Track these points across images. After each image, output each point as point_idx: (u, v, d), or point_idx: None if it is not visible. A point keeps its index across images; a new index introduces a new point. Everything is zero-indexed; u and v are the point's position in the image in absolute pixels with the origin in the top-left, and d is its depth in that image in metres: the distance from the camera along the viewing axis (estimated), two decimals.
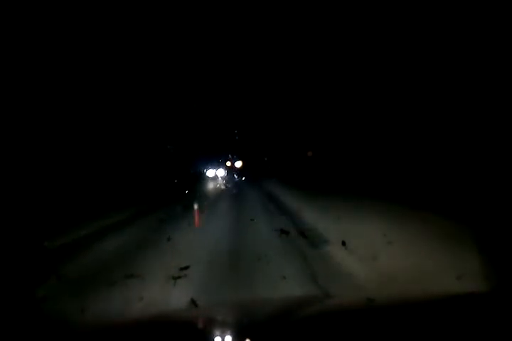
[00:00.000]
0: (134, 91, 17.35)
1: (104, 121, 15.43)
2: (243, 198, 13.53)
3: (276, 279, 4.01)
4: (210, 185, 22.35)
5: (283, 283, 3.90)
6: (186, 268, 4.49)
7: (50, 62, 11.81)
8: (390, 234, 5.14)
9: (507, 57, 6.25)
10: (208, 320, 1.77)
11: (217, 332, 1.52)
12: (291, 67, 17.18)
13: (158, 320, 1.71)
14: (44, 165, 10.96)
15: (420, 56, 8.66)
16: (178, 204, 11.39)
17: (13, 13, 10.01)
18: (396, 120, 10.12)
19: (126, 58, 16.00)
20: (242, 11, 16.22)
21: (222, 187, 21.12)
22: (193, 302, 3.28)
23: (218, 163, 30.29)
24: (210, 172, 28.36)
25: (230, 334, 1.45)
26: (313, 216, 7.66)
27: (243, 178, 25.49)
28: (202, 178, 26.69)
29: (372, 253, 4.51)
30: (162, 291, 3.91)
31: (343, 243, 5.14)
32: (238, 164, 32.18)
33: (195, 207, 10.17)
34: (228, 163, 32.19)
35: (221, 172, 28.42)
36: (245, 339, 1.35)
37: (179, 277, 4.23)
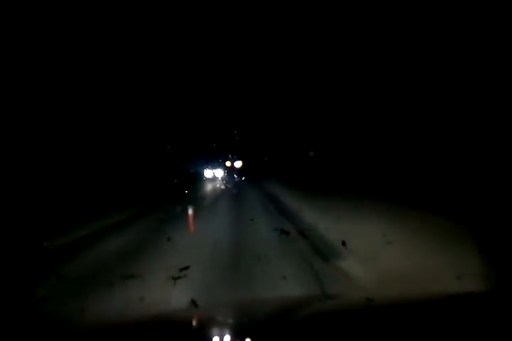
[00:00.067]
0: (133, 91, 17.35)
1: (104, 121, 15.43)
2: (243, 198, 13.53)
3: (276, 279, 4.01)
4: (210, 185, 22.34)
5: (283, 283, 3.90)
6: (186, 268, 4.49)
7: (49, 62, 11.81)
8: (390, 234, 5.14)
9: (507, 57, 6.25)
10: (207, 320, 1.77)
11: (217, 332, 1.52)
12: (291, 66, 17.19)
13: (158, 320, 1.71)
14: (44, 165, 10.95)
15: (420, 56, 8.66)
16: (178, 204, 11.39)
17: (13, 13, 10.01)
18: (396, 120, 10.12)
19: (126, 58, 16.01)
20: (242, 11, 16.22)
21: (222, 187, 21.13)
22: (193, 303, 3.27)
23: (218, 163, 30.24)
24: (209, 173, 28.32)
25: (230, 334, 1.45)
26: (313, 216, 7.66)
27: (243, 178, 25.49)
28: (202, 178, 26.68)
29: (372, 253, 4.51)
30: (162, 291, 3.91)
31: (343, 243, 5.14)
32: (238, 164, 32.14)
33: (190, 211, 8.95)
34: (228, 163, 32.14)
35: (221, 173, 28.39)
36: (245, 339, 1.35)
37: (179, 277, 4.23)
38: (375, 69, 10.90)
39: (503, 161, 5.77)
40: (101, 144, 15.18)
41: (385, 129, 10.88)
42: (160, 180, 17.99)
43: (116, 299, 3.71)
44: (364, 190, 9.64)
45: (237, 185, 20.72)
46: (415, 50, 8.80)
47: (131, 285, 4.01)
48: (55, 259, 5.41)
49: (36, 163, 10.59)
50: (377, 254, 4.47)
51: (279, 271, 4.25)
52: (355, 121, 12.93)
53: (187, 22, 16.77)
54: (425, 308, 1.54)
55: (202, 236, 6.68)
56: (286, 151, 23.00)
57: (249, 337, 1.33)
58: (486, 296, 1.72)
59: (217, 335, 1.48)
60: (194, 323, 1.73)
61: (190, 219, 8.17)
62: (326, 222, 6.70)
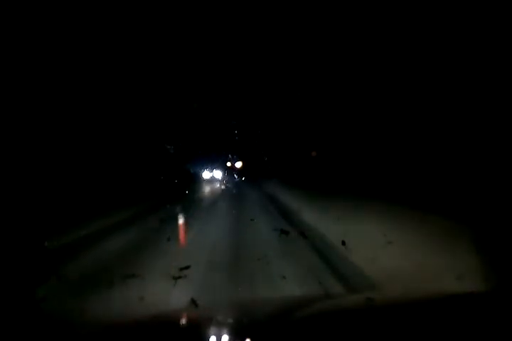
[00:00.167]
0: (133, 91, 17.35)
1: (104, 120, 15.43)
2: (243, 198, 13.54)
3: (276, 279, 4.02)
4: (210, 185, 22.36)
5: (283, 283, 3.90)
6: (186, 268, 4.49)
7: (49, 62, 11.81)
8: (390, 234, 5.14)
9: (507, 57, 6.25)
10: (208, 320, 1.77)
11: (217, 332, 1.52)
12: (292, 67, 17.18)
13: (158, 320, 1.71)
14: (44, 165, 10.95)
15: (420, 56, 8.66)
16: (178, 204, 11.39)
17: (12, 13, 10.01)
18: (397, 120, 10.12)
19: (126, 58, 16.00)
20: (241, 11, 16.22)
21: (222, 187, 21.14)
22: (193, 302, 3.27)
23: (218, 163, 30.25)
24: (209, 173, 28.33)
25: (230, 334, 1.45)
26: (313, 216, 7.66)
27: (243, 178, 25.50)
28: (202, 178, 26.69)
29: (372, 253, 4.51)
30: (162, 291, 3.91)
31: (343, 243, 5.14)
32: (238, 164, 32.15)
33: (180, 221, 6.90)
34: (228, 163, 32.15)
35: (221, 173, 28.40)
36: (245, 339, 1.35)
37: (179, 277, 4.23)
38: (376, 69, 10.90)
39: (502, 161, 5.76)
40: (101, 144, 15.19)
41: (385, 129, 10.88)
42: (160, 180, 18.00)
43: (116, 299, 3.71)
44: (364, 190, 9.64)
45: (237, 185, 20.73)
46: (416, 51, 8.80)
47: (132, 285, 4.01)
48: (56, 259, 5.41)
49: (36, 163, 10.59)
50: (377, 254, 4.47)
51: (279, 271, 4.25)
52: (355, 121, 12.93)
53: (187, 22, 16.76)
54: (425, 308, 1.54)
55: (202, 236, 6.68)
56: (287, 151, 22.99)
57: (249, 337, 1.33)
58: (486, 296, 1.72)
59: (217, 335, 1.48)
60: (194, 323, 1.73)
61: (182, 230, 6.63)
62: (326, 222, 6.71)
